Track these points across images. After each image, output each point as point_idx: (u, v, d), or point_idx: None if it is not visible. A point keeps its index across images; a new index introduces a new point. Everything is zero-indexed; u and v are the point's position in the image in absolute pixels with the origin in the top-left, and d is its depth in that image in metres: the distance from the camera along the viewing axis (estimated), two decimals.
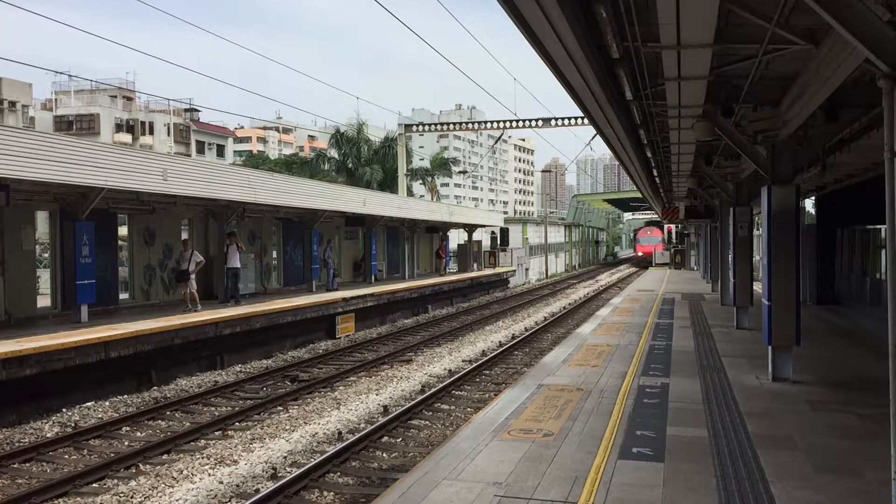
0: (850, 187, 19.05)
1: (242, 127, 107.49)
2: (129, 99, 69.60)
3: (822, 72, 7.25)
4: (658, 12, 5.82)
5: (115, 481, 8.64)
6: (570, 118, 35.10)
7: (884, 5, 5.12)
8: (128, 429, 11.13)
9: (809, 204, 29.49)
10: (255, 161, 73.54)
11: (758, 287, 15.96)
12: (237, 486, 8.33)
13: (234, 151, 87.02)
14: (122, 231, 20.09)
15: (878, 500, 5.56)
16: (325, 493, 8.17)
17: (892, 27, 4.28)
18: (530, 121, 36.67)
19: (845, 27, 4.39)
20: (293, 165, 58.75)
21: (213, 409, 12.54)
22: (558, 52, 6.57)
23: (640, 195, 37.52)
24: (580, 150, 64.29)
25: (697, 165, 17.06)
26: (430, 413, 11.88)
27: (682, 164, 16.90)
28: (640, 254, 71.92)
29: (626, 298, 24.87)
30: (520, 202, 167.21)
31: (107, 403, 12.60)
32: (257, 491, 8.07)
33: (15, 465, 9.27)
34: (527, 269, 51.20)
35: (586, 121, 11.83)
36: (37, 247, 18.58)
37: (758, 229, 24.59)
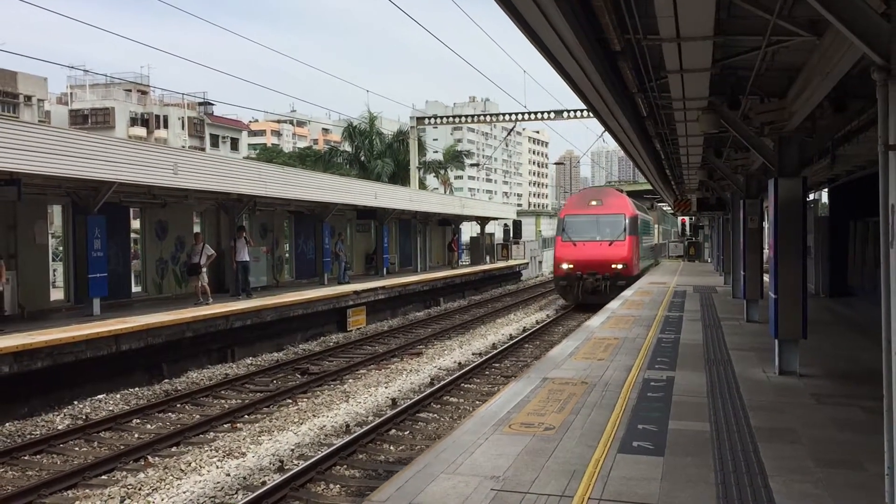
0: (861, 179, 18.86)
1: (257, 120, 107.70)
2: (144, 93, 70.08)
3: (824, 63, 7.19)
4: (655, 5, 5.80)
5: (124, 473, 8.77)
6: (581, 110, 34.88)
7: None
8: (138, 421, 11.27)
9: (824, 195, 29.28)
10: (269, 154, 73.83)
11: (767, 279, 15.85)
12: (244, 478, 8.43)
13: (249, 145, 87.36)
14: (135, 224, 20.26)
15: (877, 494, 5.53)
16: (331, 486, 8.25)
17: (887, 19, 4.24)
18: (542, 113, 36.57)
19: (839, 19, 4.36)
20: (307, 159, 59.07)
21: (222, 401, 12.66)
22: (556, 45, 6.54)
23: (652, 188, 37.16)
24: (593, 142, 62.50)
25: (707, 157, 16.95)
26: (439, 406, 11.94)
27: (691, 156, 16.81)
28: (565, 266, 25.93)
29: (637, 291, 24.75)
30: (534, 194, 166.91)
31: (118, 396, 12.76)
32: (264, 483, 8.17)
33: (26, 457, 9.42)
34: (540, 262, 51.13)
35: None
36: (53, 240, 18.76)
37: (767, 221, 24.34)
